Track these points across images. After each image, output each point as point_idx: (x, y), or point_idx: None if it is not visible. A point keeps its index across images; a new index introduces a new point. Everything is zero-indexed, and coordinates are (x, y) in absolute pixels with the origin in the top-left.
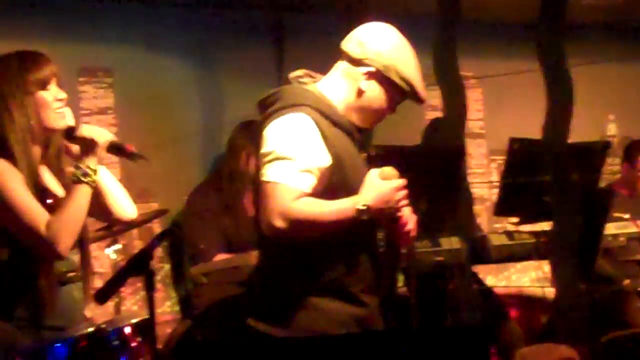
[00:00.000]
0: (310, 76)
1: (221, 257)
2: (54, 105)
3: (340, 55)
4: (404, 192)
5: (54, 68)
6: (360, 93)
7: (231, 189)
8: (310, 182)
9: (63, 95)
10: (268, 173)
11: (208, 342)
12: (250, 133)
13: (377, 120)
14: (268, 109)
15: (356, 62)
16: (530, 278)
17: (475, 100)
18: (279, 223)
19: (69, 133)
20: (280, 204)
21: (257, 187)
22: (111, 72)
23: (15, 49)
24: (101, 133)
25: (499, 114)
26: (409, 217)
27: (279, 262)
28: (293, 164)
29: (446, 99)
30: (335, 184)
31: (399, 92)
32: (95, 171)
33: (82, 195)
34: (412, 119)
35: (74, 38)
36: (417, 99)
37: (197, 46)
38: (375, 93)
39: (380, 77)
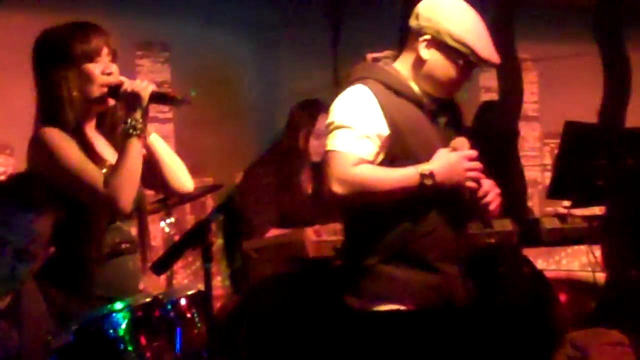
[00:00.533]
0: (396, 56)
1: (274, 232)
2: (100, 79)
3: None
4: (475, 163)
5: (106, 40)
6: (421, 62)
7: (288, 166)
8: (370, 149)
9: (112, 69)
10: (329, 142)
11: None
12: (310, 111)
13: (452, 88)
14: None
15: (415, 34)
16: (580, 262)
17: (530, 82)
18: (338, 189)
19: (114, 91)
20: (339, 170)
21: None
22: (168, 46)
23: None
24: (143, 85)
25: (554, 97)
26: (488, 190)
27: (352, 233)
28: (351, 131)
29: (502, 81)
30: (396, 153)
31: (459, 56)
32: (144, 124)
33: (134, 149)
34: (468, 100)
35: (133, 12)
36: (482, 61)
37: (254, 22)
38: (435, 60)
39: (436, 43)
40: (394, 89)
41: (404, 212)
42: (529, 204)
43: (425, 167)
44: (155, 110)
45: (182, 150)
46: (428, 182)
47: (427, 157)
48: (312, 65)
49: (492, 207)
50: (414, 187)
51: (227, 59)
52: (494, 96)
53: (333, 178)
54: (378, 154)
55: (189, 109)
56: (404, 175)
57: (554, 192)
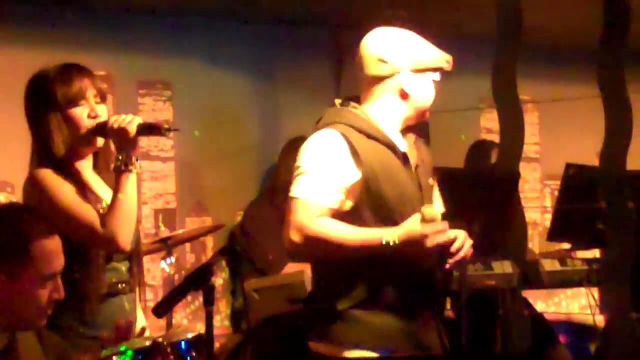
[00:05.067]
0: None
1: (292, 266)
2: (86, 122)
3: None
4: (444, 238)
5: (91, 81)
6: (403, 99)
7: (283, 203)
8: (335, 197)
9: (97, 111)
10: (293, 188)
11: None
12: (293, 146)
13: (429, 106)
14: None
15: (382, 78)
16: (580, 304)
17: (531, 124)
18: (296, 237)
19: (100, 129)
20: (299, 219)
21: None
22: (170, 85)
23: (75, 60)
24: (128, 119)
25: (555, 138)
26: (460, 246)
27: (322, 276)
28: (316, 179)
29: (503, 123)
30: (368, 197)
31: (433, 72)
32: (134, 158)
33: (128, 184)
34: (468, 141)
35: (134, 50)
36: (449, 64)
37: (256, 61)
38: (417, 88)
39: (414, 73)
40: (365, 133)
41: (376, 257)
42: (529, 245)
43: (387, 237)
44: (156, 149)
45: (183, 190)
46: (388, 251)
47: (399, 201)
48: (314, 104)
49: (468, 256)
50: (375, 251)
51: (229, 98)
52: (494, 137)
53: (293, 226)
54: (344, 201)
55: (192, 147)
56: (368, 237)
57: (554, 234)
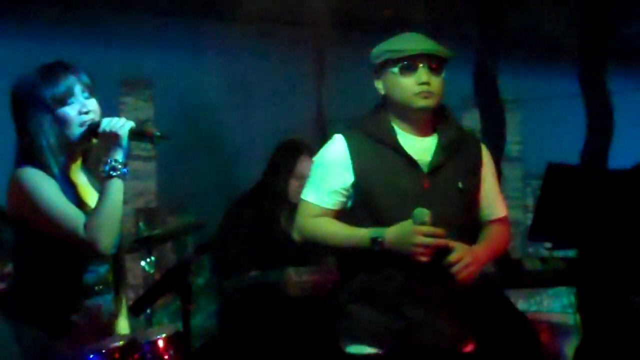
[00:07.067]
0: None
1: (256, 273)
2: (78, 120)
3: None
4: (429, 240)
5: (78, 78)
6: (385, 98)
7: (269, 206)
8: (334, 199)
9: (88, 107)
10: (303, 190)
11: None
12: (291, 152)
13: (418, 100)
14: None
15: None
16: (562, 304)
17: (513, 123)
18: (296, 236)
19: (92, 130)
20: (300, 219)
21: None
22: (151, 84)
23: (57, 59)
24: (121, 123)
25: (537, 137)
26: (459, 258)
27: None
28: (319, 183)
29: (485, 122)
30: (361, 198)
31: (389, 65)
32: (123, 164)
33: (115, 190)
34: None
35: (116, 50)
36: (402, 53)
37: (236, 59)
38: (386, 86)
39: (378, 71)
40: (374, 137)
41: (370, 256)
42: (511, 245)
43: (377, 234)
44: (138, 148)
45: (164, 188)
46: (377, 248)
47: (392, 202)
48: (294, 103)
49: (459, 276)
50: (365, 247)
51: (210, 97)
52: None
53: (295, 225)
54: (345, 202)
55: (173, 146)
56: (356, 236)
57: (535, 234)
